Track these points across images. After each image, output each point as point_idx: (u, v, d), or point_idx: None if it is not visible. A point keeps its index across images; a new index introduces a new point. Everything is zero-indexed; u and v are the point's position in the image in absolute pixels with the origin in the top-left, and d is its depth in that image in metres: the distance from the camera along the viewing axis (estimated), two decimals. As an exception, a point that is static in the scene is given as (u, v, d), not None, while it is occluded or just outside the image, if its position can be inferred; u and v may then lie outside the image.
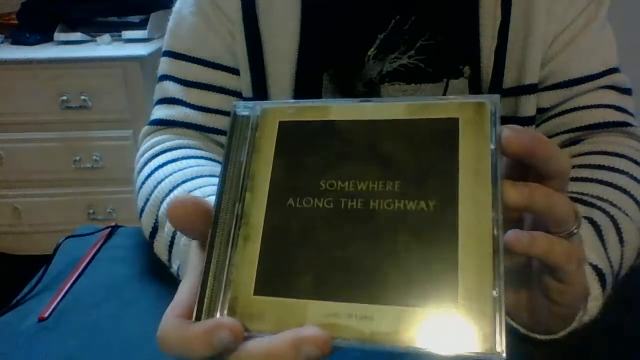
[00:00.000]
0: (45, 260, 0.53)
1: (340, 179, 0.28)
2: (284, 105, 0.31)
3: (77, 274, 0.51)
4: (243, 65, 0.60)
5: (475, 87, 0.59)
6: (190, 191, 0.48)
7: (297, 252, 0.27)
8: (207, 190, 0.47)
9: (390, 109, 0.30)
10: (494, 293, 0.24)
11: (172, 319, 0.27)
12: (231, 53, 0.60)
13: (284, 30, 0.58)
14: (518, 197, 0.27)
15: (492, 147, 0.27)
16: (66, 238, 0.56)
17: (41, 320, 0.45)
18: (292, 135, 0.30)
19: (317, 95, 0.60)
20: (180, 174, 0.51)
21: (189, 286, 0.28)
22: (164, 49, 0.64)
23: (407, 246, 0.26)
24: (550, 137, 0.59)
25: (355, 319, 0.25)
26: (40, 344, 0.43)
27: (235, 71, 0.60)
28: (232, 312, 0.26)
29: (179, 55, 0.62)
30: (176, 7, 0.63)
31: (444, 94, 0.59)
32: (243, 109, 0.31)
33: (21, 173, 1.74)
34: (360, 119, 0.30)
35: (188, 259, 0.31)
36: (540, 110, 0.59)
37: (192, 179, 0.50)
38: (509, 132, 0.27)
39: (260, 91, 0.60)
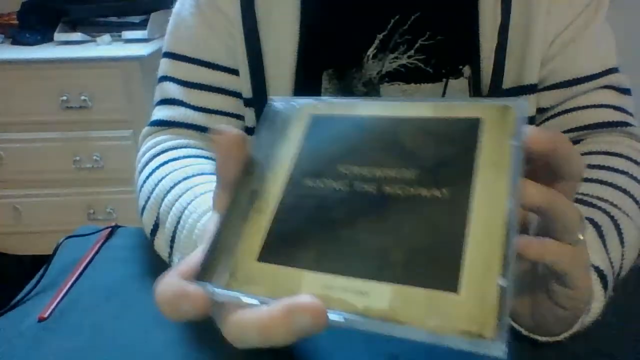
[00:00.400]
0: (45, 260, 0.53)
1: (358, 165, 0.29)
2: (316, 102, 0.33)
3: (77, 274, 0.51)
4: (242, 65, 0.60)
5: (475, 87, 0.59)
6: (192, 187, 0.48)
7: (305, 226, 0.28)
8: (210, 187, 0.47)
9: (415, 107, 0.31)
10: (501, 282, 0.23)
11: (172, 276, 0.27)
12: (231, 54, 0.60)
13: (283, 30, 0.58)
14: (538, 197, 0.27)
15: (515, 143, 0.27)
16: (66, 238, 0.56)
17: (41, 320, 0.45)
18: (319, 127, 0.32)
19: (316, 95, 0.60)
20: (181, 172, 0.51)
21: (200, 250, 0.29)
22: (164, 50, 0.64)
23: (414, 228, 0.26)
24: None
25: (351, 293, 0.24)
26: (40, 344, 0.43)
27: (235, 72, 0.60)
28: (232, 276, 0.27)
29: (179, 57, 0.62)
30: (176, 8, 0.63)
31: (443, 94, 0.59)
32: (277, 103, 0.33)
33: (21, 173, 1.74)
34: (386, 115, 0.31)
35: (206, 231, 0.31)
36: (540, 110, 0.59)
37: (194, 176, 0.50)
38: (532, 129, 0.27)
39: (260, 91, 0.60)
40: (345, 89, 0.60)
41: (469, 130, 0.28)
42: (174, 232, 0.46)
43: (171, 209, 0.47)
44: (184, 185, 0.49)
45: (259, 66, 0.59)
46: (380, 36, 0.58)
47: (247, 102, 0.62)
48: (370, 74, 0.60)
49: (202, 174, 0.51)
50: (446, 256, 0.24)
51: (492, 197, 0.26)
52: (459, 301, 0.23)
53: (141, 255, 0.54)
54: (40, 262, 0.52)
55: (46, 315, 0.46)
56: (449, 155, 0.28)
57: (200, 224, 0.44)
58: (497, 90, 0.58)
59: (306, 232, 0.27)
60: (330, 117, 0.32)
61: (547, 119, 0.59)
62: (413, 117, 0.30)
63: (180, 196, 0.47)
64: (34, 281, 0.51)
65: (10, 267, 1.78)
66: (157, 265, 0.52)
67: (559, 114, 0.58)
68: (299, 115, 0.33)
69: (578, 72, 0.57)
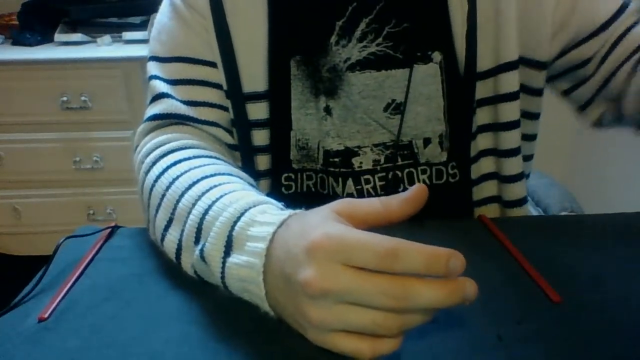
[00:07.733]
0: (45, 260, 0.53)
1: None
2: None
3: (77, 274, 0.51)
4: (217, 57, 0.63)
5: (450, 73, 0.61)
6: (218, 185, 0.48)
7: None
8: (235, 187, 0.48)
9: None
10: None
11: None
12: (209, 48, 0.63)
13: (252, 20, 0.62)
14: None
15: None
16: (66, 238, 0.56)
17: (41, 320, 0.45)
18: None
19: (286, 81, 0.63)
20: (198, 171, 0.51)
21: None
22: (149, 55, 0.67)
23: None
24: (620, 65, 0.60)
25: None
26: (40, 344, 0.43)
27: (215, 65, 0.64)
28: None
29: (162, 59, 0.65)
30: (157, 18, 0.68)
31: (409, 79, 0.61)
32: None
33: (21, 173, 1.74)
34: None
35: None
36: (586, 61, 0.62)
37: (212, 175, 0.50)
38: None
39: (234, 82, 0.63)
40: (312, 76, 0.63)
41: None
42: (200, 223, 0.45)
43: (197, 201, 0.46)
44: (206, 183, 0.48)
45: (231, 58, 0.62)
46: (340, 23, 0.61)
47: (226, 94, 0.64)
48: (334, 61, 0.62)
49: (220, 174, 0.51)
50: None
51: None
52: None
53: (141, 255, 0.54)
54: (40, 262, 0.52)
55: (46, 315, 0.46)
56: None
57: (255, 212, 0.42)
58: (471, 74, 0.61)
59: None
60: None
61: (609, 53, 0.60)
62: None
63: (204, 192, 0.47)
64: (34, 281, 0.51)
65: (10, 267, 1.78)
66: (157, 266, 0.52)
67: (615, 44, 0.60)
68: None
69: (605, 15, 0.60)
